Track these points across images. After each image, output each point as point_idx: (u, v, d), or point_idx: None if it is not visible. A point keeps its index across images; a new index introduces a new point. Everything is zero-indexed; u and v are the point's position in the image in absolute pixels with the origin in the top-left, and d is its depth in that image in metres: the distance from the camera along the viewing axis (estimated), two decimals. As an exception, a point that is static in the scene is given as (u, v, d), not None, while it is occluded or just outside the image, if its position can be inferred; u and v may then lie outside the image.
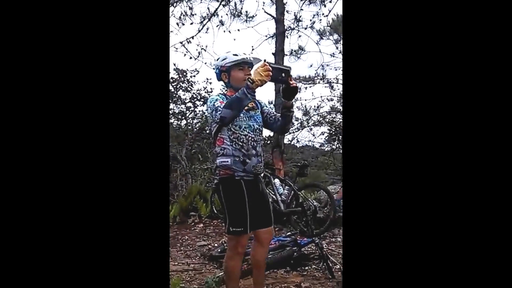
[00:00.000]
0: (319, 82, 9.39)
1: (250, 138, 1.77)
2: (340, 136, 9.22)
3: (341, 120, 9.03)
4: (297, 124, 9.33)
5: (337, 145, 9.79)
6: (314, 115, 9.53)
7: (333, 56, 9.42)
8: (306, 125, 9.49)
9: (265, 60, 1.60)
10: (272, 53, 6.02)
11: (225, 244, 3.17)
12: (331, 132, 9.35)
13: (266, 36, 6.79)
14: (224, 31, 6.94)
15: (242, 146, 1.74)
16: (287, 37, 6.74)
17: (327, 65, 9.84)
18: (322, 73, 9.43)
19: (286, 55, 6.75)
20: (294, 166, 4.77)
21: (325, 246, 3.51)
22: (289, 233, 3.45)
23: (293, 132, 9.52)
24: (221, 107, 1.67)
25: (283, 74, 1.65)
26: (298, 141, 10.14)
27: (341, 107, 9.05)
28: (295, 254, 2.79)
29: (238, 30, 7.07)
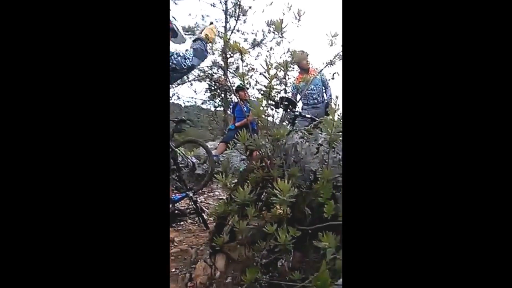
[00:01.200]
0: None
1: None
2: (221, 92, 9.19)
3: (221, 76, 8.94)
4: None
5: (220, 103, 9.78)
6: (194, 69, 9.08)
7: (213, 6, 8.98)
8: (187, 80, 9.01)
9: (211, 23, 2.01)
10: (141, -9, 5.16)
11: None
12: (211, 87, 9.18)
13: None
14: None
15: None
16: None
17: (208, 15, 9.31)
18: (203, 24, 8.92)
19: (159, -4, 5.94)
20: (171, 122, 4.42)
21: (203, 200, 3.53)
22: (164, 191, 3.26)
23: (173, 88, 8.94)
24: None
25: None
26: (178, 98, 9.62)
27: (222, 62, 8.90)
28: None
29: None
